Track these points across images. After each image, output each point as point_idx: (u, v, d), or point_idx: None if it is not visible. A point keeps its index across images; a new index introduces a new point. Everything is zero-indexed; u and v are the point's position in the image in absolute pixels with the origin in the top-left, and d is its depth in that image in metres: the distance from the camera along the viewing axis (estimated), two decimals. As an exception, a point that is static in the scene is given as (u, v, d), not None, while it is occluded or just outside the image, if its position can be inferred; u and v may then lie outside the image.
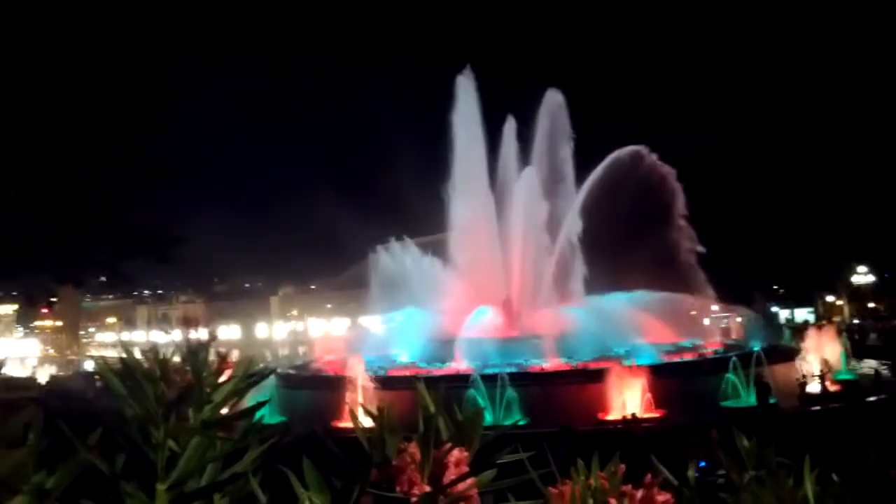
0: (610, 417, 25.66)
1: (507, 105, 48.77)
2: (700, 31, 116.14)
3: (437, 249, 46.53)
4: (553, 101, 46.61)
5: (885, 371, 32.75)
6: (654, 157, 43.26)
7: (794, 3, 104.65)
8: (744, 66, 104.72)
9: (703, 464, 1.59)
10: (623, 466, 1.31)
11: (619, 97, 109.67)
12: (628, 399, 25.98)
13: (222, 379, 1.33)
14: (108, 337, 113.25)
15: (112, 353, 1.36)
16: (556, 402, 25.67)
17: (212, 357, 1.34)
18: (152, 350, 1.33)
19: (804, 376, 29.49)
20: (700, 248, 41.10)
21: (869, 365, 33.83)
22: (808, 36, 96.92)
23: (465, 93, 47.24)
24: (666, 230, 42.35)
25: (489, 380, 26.78)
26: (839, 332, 38.71)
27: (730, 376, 28.23)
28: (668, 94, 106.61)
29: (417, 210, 49.25)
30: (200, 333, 1.35)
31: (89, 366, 62.10)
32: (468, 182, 45.94)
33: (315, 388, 30.98)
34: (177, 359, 1.34)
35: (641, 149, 43.71)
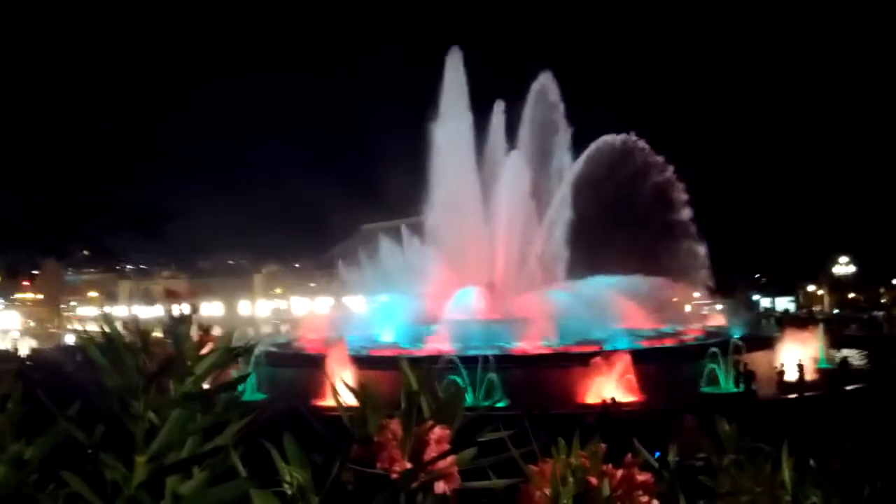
0: (590, 401, 25.79)
1: (494, 91, 48.62)
2: (688, 25, 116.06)
3: (422, 230, 46.45)
4: (543, 84, 46.47)
5: (861, 361, 33.22)
6: (641, 144, 43.44)
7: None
8: (729, 60, 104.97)
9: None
10: (604, 446, 1.32)
11: (607, 86, 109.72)
12: (608, 383, 26.11)
13: (204, 352, 1.32)
14: (89, 311, 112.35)
15: (93, 327, 1.34)
16: (536, 385, 25.73)
17: (193, 330, 1.33)
18: (134, 322, 1.32)
19: (782, 364, 29.81)
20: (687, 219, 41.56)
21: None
22: (788, 28, 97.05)
23: (453, 71, 47.00)
24: (652, 217, 42.61)
25: (470, 361, 26.82)
26: (818, 323, 39.23)
27: (710, 363, 28.47)
28: (658, 86, 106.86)
29: (403, 191, 49.09)
30: (183, 307, 1.34)
31: (70, 339, 61.81)
32: (454, 162, 45.73)
33: (297, 365, 30.90)
34: (158, 332, 1.33)
35: (629, 136, 43.84)
